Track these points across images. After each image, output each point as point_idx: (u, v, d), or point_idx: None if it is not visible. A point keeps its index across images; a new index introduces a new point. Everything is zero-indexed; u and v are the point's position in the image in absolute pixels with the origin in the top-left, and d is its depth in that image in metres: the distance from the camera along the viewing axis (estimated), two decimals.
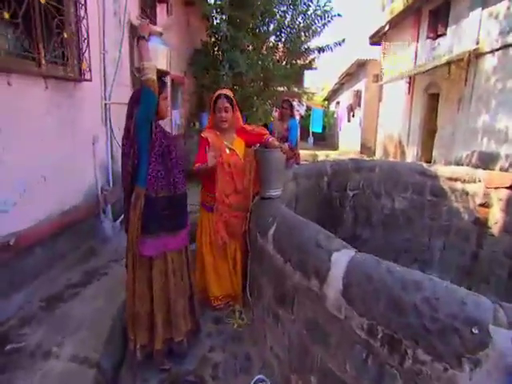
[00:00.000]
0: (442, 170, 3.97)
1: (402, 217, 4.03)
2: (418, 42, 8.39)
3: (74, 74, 2.86)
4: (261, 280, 2.04)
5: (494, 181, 3.62)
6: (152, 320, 1.82)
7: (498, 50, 5.51)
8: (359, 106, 13.60)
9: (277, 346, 1.78)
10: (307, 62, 7.55)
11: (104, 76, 3.38)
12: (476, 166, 5.28)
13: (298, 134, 4.51)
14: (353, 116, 14.68)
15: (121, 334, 2.02)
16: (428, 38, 7.84)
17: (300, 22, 6.68)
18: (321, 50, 7.00)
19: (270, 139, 2.39)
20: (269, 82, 6.87)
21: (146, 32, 1.79)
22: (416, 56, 8.46)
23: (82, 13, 2.89)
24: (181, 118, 6.36)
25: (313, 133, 16.62)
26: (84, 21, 2.90)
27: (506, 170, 5.06)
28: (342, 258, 1.29)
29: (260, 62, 6.45)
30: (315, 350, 1.40)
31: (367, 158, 8.86)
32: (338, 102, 18.31)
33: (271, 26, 6.73)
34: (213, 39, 6.65)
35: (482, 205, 3.66)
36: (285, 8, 6.64)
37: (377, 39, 11.17)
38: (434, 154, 7.51)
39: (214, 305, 2.46)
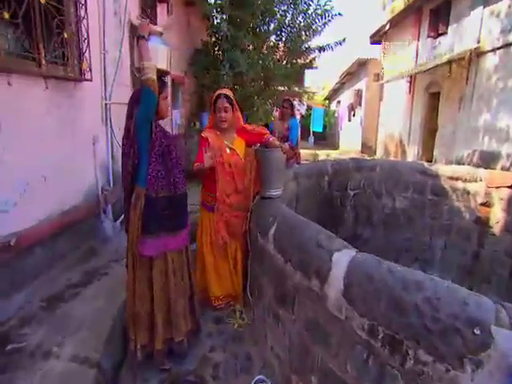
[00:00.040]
0: (443, 169, 3.96)
1: (402, 216, 4.02)
2: (418, 40, 8.37)
3: (75, 73, 2.86)
4: (261, 280, 2.03)
5: (496, 180, 3.61)
6: (152, 320, 1.82)
7: (499, 48, 5.49)
8: (360, 105, 13.58)
9: (277, 346, 1.77)
10: (308, 61, 7.53)
11: (104, 76, 3.38)
12: (477, 165, 5.27)
13: (299, 133, 4.50)
14: (353, 115, 14.66)
15: (121, 334, 2.02)
16: (429, 36, 7.82)
17: (300, 22, 6.67)
18: (321, 49, 6.99)
19: (271, 139, 2.39)
20: (269, 81, 6.86)
21: (145, 32, 1.79)
22: (417, 55, 8.44)
23: (83, 13, 2.88)
24: (181, 117, 6.36)
25: (313, 132, 16.60)
26: (84, 21, 2.90)
27: (508, 169, 5.04)
28: (342, 257, 1.28)
29: (260, 62, 6.44)
30: (316, 350, 1.40)
31: (368, 158, 8.84)
32: (338, 102, 18.29)
33: (272, 26, 6.72)
34: (213, 39, 6.64)
35: (483, 204, 3.65)
36: (285, 7, 6.62)
37: (377, 38, 11.15)
38: (434, 153, 7.49)
39: (215, 305, 2.46)
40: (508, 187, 3.48)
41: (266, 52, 6.73)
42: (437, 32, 7.51)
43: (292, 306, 1.57)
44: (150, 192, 1.74)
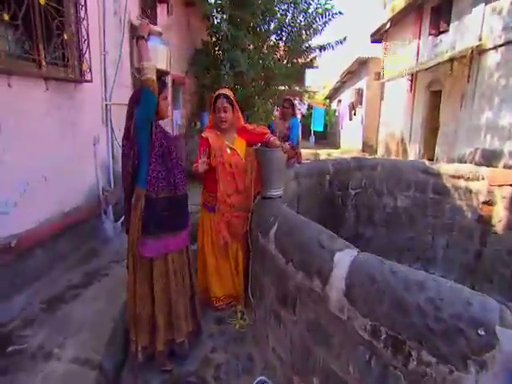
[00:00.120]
0: (445, 167, 3.94)
1: (404, 215, 4.00)
2: (419, 39, 8.34)
3: (75, 75, 2.86)
4: (263, 280, 2.02)
5: (498, 178, 3.58)
6: (153, 321, 1.81)
7: (501, 46, 5.46)
8: (361, 104, 13.55)
9: (279, 346, 1.76)
10: (308, 60, 7.51)
11: (104, 77, 3.38)
12: (479, 164, 5.25)
13: (300, 132, 4.49)
14: (354, 114, 14.62)
15: (122, 335, 2.02)
16: (430, 34, 7.78)
17: (301, 21, 6.65)
18: (322, 48, 6.97)
19: (271, 138, 2.37)
20: (270, 81, 6.85)
21: (145, 32, 1.78)
22: (418, 53, 8.41)
23: (82, 14, 2.88)
24: (182, 118, 6.35)
25: (314, 131, 16.57)
26: (84, 22, 2.90)
27: (510, 168, 5.01)
28: (344, 257, 1.27)
29: (261, 61, 6.43)
30: (318, 351, 1.39)
31: (369, 157, 8.82)
32: (339, 101, 18.26)
33: (272, 25, 6.70)
34: (213, 39, 6.63)
35: (485, 202, 3.63)
36: (285, 6, 6.61)
37: (378, 37, 11.12)
38: (436, 152, 7.46)
39: (216, 305, 2.45)
40: (510, 185, 3.46)
41: (266, 51, 6.72)
42: (438, 30, 7.48)
43: (293, 307, 1.56)
44: (150, 193, 1.74)
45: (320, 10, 6.51)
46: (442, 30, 7.33)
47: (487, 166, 4.08)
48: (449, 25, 7.02)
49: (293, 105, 4.26)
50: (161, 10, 5.15)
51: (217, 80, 6.05)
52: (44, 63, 2.46)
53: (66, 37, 2.71)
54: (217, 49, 6.61)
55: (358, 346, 1.17)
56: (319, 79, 20.89)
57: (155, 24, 4.53)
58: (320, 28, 6.70)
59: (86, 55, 2.94)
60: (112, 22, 3.52)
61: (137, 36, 1.77)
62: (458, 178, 3.78)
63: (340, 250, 1.32)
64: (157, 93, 1.71)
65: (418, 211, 3.95)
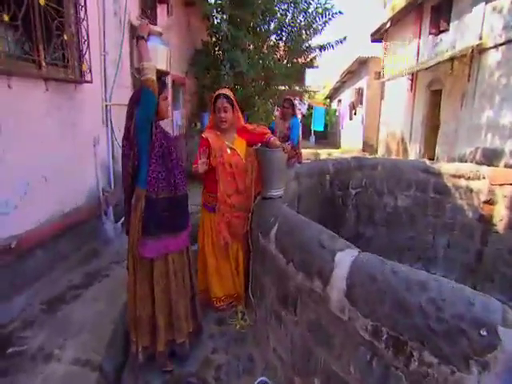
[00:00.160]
0: (446, 167, 3.93)
1: (405, 215, 3.99)
2: (420, 38, 8.33)
3: (75, 75, 2.85)
4: (263, 281, 2.02)
5: (499, 177, 3.58)
6: (154, 322, 1.81)
7: (501, 44, 5.45)
8: (361, 103, 13.54)
9: (280, 347, 1.76)
10: (308, 60, 7.50)
11: (104, 77, 3.38)
12: (480, 163, 5.23)
13: (300, 132, 4.48)
14: (355, 114, 14.61)
15: (122, 336, 2.01)
16: (430, 34, 7.77)
17: (301, 21, 6.64)
18: (322, 48, 6.96)
19: (272, 138, 2.37)
20: (270, 81, 6.84)
21: (145, 32, 1.78)
22: (418, 52, 8.40)
23: (82, 14, 2.88)
24: (182, 118, 6.35)
25: (314, 131, 16.56)
26: (84, 22, 2.89)
27: (511, 167, 5.00)
28: (345, 257, 1.27)
29: (261, 61, 6.42)
30: (319, 351, 1.38)
31: (369, 156, 8.81)
32: (339, 100, 18.24)
33: (272, 25, 6.70)
34: (213, 39, 6.63)
35: (486, 202, 3.62)
36: (285, 6, 6.60)
37: (378, 36, 11.10)
38: (436, 151, 7.45)
39: (217, 306, 2.44)
40: (511, 184, 3.45)
41: (266, 51, 6.71)
42: (438, 29, 7.46)
43: (294, 307, 1.55)
44: (150, 193, 1.73)
45: (320, 10, 6.50)
46: (442, 29, 7.32)
47: (488, 165, 4.07)
48: (449, 24, 7.01)
49: (293, 105, 4.26)
50: (161, 11, 5.15)
51: (217, 80, 6.05)
52: (44, 64, 2.45)
53: (65, 37, 2.71)
54: (217, 49, 6.60)
55: (359, 347, 1.17)
56: (319, 79, 20.88)
57: (155, 24, 4.53)
58: (320, 28, 6.70)
59: (86, 56, 2.94)
60: (112, 22, 3.51)
61: (137, 36, 1.77)
62: (459, 177, 3.77)
63: (341, 250, 1.32)
64: (157, 93, 1.71)
65: (418, 211, 3.94)
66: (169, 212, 1.77)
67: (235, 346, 2.11)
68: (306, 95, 9.76)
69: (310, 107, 17.08)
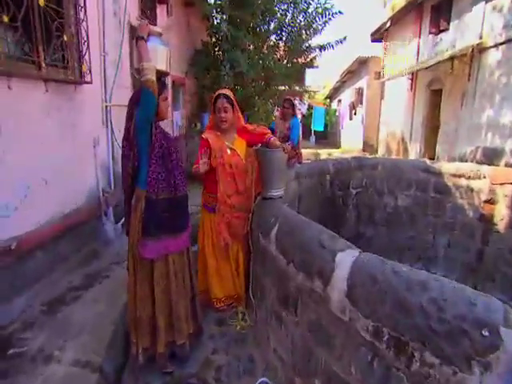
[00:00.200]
0: (446, 166, 3.92)
1: (405, 214, 3.99)
2: (420, 37, 8.32)
3: (75, 76, 2.85)
4: (264, 281, 2.01)
5: (500, 177, 3.57)
6: (154, 323, 1.80)
7: (502, 44, 5.44)
8: (361, 103, 13.53)
9: (280, 348, 1.75)
10: (308, 60, 7.50)
11: (104, 78, 3.37)
12: (480, 162, 5.23)
13: (300, 132, 4.48)
14: (355, 114, 14.61)
15: (123, 337, 2.01)
16: (430, 33, 7.77)
17: (301, 21, 6.64)
18: (322, 48, 6.96)
19: (272, 139, 2.37)
20: (270, 81, 6.84)
21: (144, 32, 1.78)
22: (418, 52, 8.39)
23: (82, 15, 2.88)
24: (182, 118, 6.35)
25: (315, 131, 16.55)
26: (84, 23, 2.89)
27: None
28: (346, 258, 1.26)
29: (261, 62, 6.42)
30: (319, 352, 1.38)
31: (370, 156, 8.81)
32: (339, 100, 18.24)
33: (272, 25, 6.70)
34: (213, 39, 6.63)
35: (487, 201, 3.62)
36: (285, 6, 6.60)
37: (378, 36, 11.10)
38: (437, 151, 7.44)
39: (217, 306, 2.44)
40: None
41: (266, 52, 6.71)
42: (438, 28, 7.46)
43: (295, 308, 1.55)
44: (150, 194, 1.73)
45: (320, 10, 6.50)
46: (442, 28, 7.31)
47: (488, 165, 4.07)
48: (449, 23, 7.00)
49: (293, 105, 4.25)
50: (160, 11, 5.15)
51: (217, 80, 6.05)
52: (44, 65, 2.45)
53: (65, 38, 2.71)
54: (217, 49, 6.61)
55: (360, 347, 1.16)
56: (319, 79, 20.86)
57: (155, 25, 4.53)
58: (320, 28, 6.70)
59: (86, 56, 2.94)
60: (112, 23, 3.51)
61: (136, 37, 1.77)
62: (459, 176, 3.77)
63: (341, 250, 1.31)
64: (157, 94, 1.71)
65: (419, 210, 3.94)
66: (169, 213, 1.77)
67: (235, 346, 2.11)
68: (306, 95, 9.76)
69: (310, 107, 17.08)
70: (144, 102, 1.68)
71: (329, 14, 6.52)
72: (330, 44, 6.85)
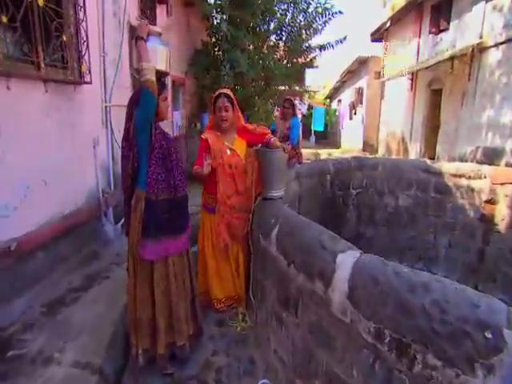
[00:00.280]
0: (447, 166, 3.91)
1: (406, 214, 3.98)
2: (420, 37, 8.31)
3: (74, 76, 2.85)
4: (264, 282, 2.00)
5: (500, 177, 3.56)
6: (154, 324, 1.80)
7: (502, 43, 5.43)
8: (361, 103, 13.52)
9: (281, 349, 1.75)
10: (308, 60, 7.49)
11: (104, 78, 3.37)
12: (480, 162, 5.22)
13: (300, 132, 4.47)
14: (355, 114, 14.60)
15: (122, 338, 2.00)
16: (430, 33, 7.76)
17: (301, 21, 6.63)
18: (322, 48, 6.95)
19: (272, 139, 2.36)
20: (270, 81, 6.83)
21: (144, 32, 1.77)
22: (418, 52, 8.38)
23: (82, 15, 2.87)
24: (182, 118, 6.34)
25: (315, 131, 16.54)
26: (83, 23, 2.88)
27: None
28: (347, 259, 1.25)
29: (261, 62, 6.42)
30: (320, 354, 1.37)
31: (370, 156, 8.80)
32: (339, 100, 18.23)
33: (272, 25, 6.69)
34: (213, 39, 6.62)
35: (488, 201, 3.61)
36: (285, 6, 6.59)
37: (378, 36, 11.09)
38: (437, 151, 7.43)
39: (217, 307, 2.43)
40: None
41: (266, 52, 6.71)
42: (438, 28, 7.45)
43: (295, 309, 1.54)
44: (150, 195, 1.72)
45: (320, 10, 6.49)
46: (442, 28, 7.30)
47: (489, 165, 4.06)
48: (449, 23, 6.99)
49: (293, 105, 4.25)
50: (160, 11, 5.14)
51: (217, 80, 6.04)
52: (43, 65, 2.45)
53: (65, 38, 2.70)
54: (216, 49, 6.60)
55: (361, 349, 1.15)
56: (319, 79, 20.84)
57: (155, 25, 4.52)
58: (320, 27, 6.69)
59: (86, 57, 2.93)
60: (111, 23, 3.51)
61: (136, 37, 1.76)
62: (460, 176, 3.76)
63: (342, 251, 1.30)
64: (156, 94, 1.70)
65: (419, 210, 3.93)
66: (169, 214, 1.76)
67: (236, 347, 2.10)
68: (306, 95, 9.76)
69: (310, 107, 17.07)
70: (144, 102, 1.68)
71: (329, 14, 6.51)
72: (330, 44, 6.84)
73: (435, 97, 7.67)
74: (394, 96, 10.19)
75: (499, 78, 5.50)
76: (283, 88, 7.47)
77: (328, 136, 18.92)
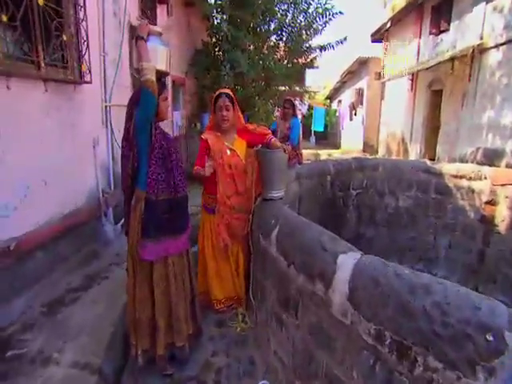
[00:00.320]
0: (447, 167, 3.91)
1: (406, 215, 3.98)
2: (420, 38, 8.31)
3: (74, 76, 2.84)
4: (264, 283, 2.00)
5: (501, 178, 3.56)
6: (153, 325, 1.79)
7: (502, 44, 5.43)
8: (361, 104, 13.52)
9: (281, 350, 1.74)
10: (309, 60, 7.50)
11: (104, 78, 3.36)
12: (481, 163, 5.22)
13: (301, 133, 4.47)
14: (355, 114, 14.60)
15: (122, 339, 2.00)
16: (431, 34, 7.76)
17: (301, 21, 6.64)
18: (322, 48, 6.96)
19: (273, 140, 2.35)
20: (270, 81, 6.83)
21: (144, 32, 1.76)
22: (419, 52, 8.38)
23: (82, 14, 2.87)
24: (182, 119, 6.34)
25: (315, 132, 16.54)
26: (83, 23, 2.88)
27: None
28: (347, 260, 1.25)
29: (261, 62, 6.42)
30: (320, 355, 1.36)
31: (370, 157, 8.80)
32: (339, 101, 18.23)
33: (272, 25, 6.70)
34: (213, 39, 6.63)
35: (488, 202, 3.60)
36: (286, 7, 6.60)
37: (378, 36, 11.09)
38: (437, 151, 7.43)
39: (217, 308, 2.43)
40: None
41: (266, 52, 6.71)
42: (438, 29, 7.45)
43: (295, 310, 1.54)
44: (150, 195, 1.72)
45: (320, 10, 6.50)
46: (442, 29, 7.30)
47: (489, 166, 4.05)
48: (449, 24, 6.99)
49: (293, 105, 4.25)
50: (160, 11, 5.14)
51: (217, 81, 6.04)
52: (43, 65, 2.44)
53: (65, 38, 2.70)
54: (217, 49, 6.60)
55: (361, 351, 1.15)
56: (319, 79, 20.84)
57: (155, 25, 4.52)
58: (320, 28, 6.70)
59: (86, 56, 2.93)
60: (111, 22, 3.50)
61: (136, 36, 1.75)
62: (460, 177, 3.75)
63: (343, 252, 1.30)
64: (156, 94, 1.70)
65: (419, 211, 3.92)
66: (169, 214, 1.76)
67: (236, 348, 2.09)
68: (307, 96, 9.76)
69: (310, 108, 17.06)
70: (144, 102, 1.67)
71: (329, 15, 6.52)
72: (331, 44, 6.85)
73: (435, 97, 7.67)
74: (395, 97, 10.19)
75: (500, 78, 5.50)
76: (283, 88, 7.47)
77: (328, 136, 18.92)
